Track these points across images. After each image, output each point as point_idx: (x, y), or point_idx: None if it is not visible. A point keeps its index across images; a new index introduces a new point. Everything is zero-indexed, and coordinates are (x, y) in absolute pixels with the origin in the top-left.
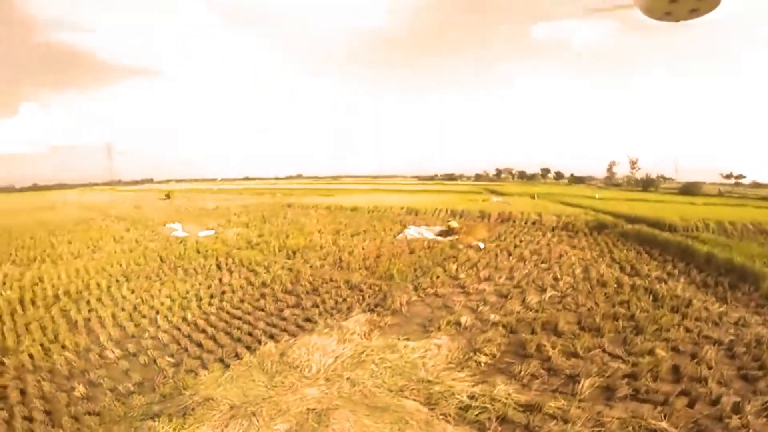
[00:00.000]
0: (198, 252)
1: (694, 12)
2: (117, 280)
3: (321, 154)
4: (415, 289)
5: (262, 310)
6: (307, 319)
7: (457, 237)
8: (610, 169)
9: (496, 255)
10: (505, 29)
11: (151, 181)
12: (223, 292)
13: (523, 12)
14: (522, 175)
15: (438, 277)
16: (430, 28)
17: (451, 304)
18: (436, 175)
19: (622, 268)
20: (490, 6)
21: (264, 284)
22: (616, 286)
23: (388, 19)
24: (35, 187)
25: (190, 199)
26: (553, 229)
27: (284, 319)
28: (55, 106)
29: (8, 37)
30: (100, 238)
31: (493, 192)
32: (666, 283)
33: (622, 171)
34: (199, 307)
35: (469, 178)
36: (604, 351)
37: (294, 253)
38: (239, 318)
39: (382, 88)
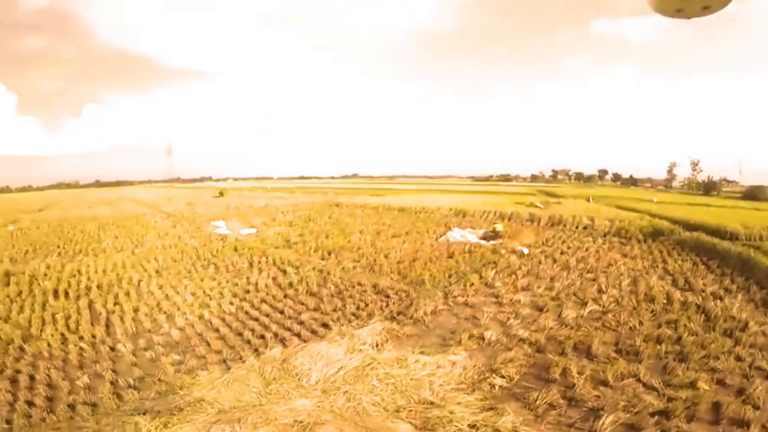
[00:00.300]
0: (235, 250)
1: (706, 9)
2: (150, 275)
3: (377, 153)
4: (445, 296)
5: (281, 312)
6: (324, 324)
7: (501, 241)
8: (670, 171)
9: (540, 262)
10: (562, 25)
11: (210, 178)
12: (248, 291)
13: (581, 7)
14: (579, 177)
15: (472, 284)
16: (484, 25)
17: (480, 316)
18: (492, 176)
19: (674, 281)
20: (545, 1)
21: (290, 285)
22: (665, 302)
23: (440, 18)
24: (98, 184)
25: (243, 197)
26: (604, 235)
27: (301, 323)
28: (117, 106)
29: (72, 41)
30: (145, 234)
31: (548, 194)
32: (722, 300)
33: (682, 173)
34: (220, 306)
35: (525, 179)
36: (638, 380)
37: (329, 253)
38: (255, 319)
39: (436, 87)
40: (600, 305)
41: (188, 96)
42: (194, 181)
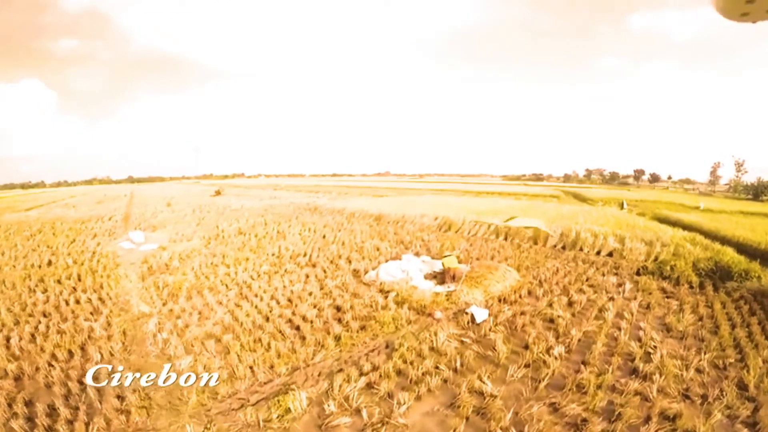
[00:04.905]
0: (80, 277)
1: None
2: None
3: (411, 151)
4: None
5: None
6: None
7: (455, 287)
8: (713, 172)
9: (492, 349)
10: (601, 21)
11: (242, 175)
12: None
13: (621, 1)
14: (614, 177)
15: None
16: (521, 22)
17: None
18: (524, 175)
19: None
20: None
21: None
22: None
23: (478, 14)
24: (130, 179)
25: (238, 196)
26: (638, 272)
27: None
28: (151, 105)
29: (108, 44)
30: (57, 245)
31: (576, 196)
32: None
33: (724, 174)
34: None
35: (558, 178)
36: None
37: (167, 295)
38: None
39: (470, 85)
40: None
41: (224, 95)
42: (226, 177)
